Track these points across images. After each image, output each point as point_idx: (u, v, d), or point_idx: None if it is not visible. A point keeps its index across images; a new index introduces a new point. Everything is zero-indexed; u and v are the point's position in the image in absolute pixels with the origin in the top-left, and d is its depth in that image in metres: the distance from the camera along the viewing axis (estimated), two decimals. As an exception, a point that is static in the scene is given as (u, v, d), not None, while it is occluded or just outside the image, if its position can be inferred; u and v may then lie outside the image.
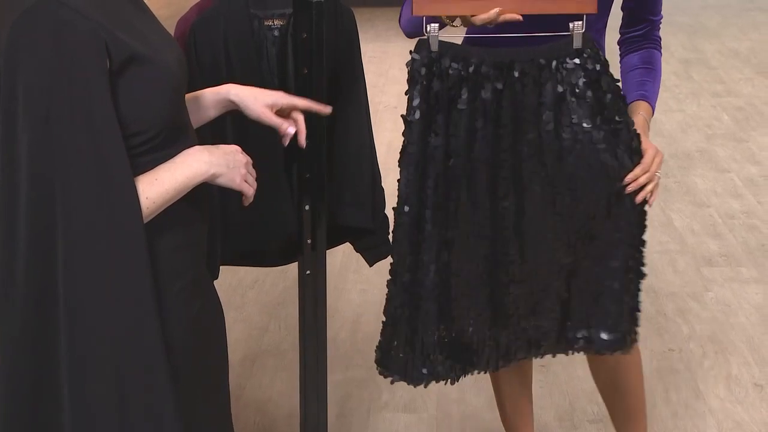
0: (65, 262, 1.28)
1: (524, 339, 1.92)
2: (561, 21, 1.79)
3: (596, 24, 1.94)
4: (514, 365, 2.20)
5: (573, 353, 1.99)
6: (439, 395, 2.79)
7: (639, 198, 1.85)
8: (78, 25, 1.27)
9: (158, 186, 1.36)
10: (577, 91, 1.79)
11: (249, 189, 1.50)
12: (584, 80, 1.79)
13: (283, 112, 1.69)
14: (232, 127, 2.00)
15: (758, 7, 8.04)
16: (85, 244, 1.29)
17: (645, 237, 1.90)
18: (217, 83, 1.99)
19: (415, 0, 1.76)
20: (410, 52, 1.80)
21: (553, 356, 2.02)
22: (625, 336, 1.94)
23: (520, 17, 1.75)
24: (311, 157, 1.98)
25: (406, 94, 1.81)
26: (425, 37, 1.78)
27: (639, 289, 1.93)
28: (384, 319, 1.90)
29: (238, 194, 1.53)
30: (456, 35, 1.88)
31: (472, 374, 1.97)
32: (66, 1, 1.27)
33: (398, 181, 1.82)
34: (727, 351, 3.01)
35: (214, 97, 1.60)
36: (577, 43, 1.79)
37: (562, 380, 2.80)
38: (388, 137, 4.74)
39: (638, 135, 1.85)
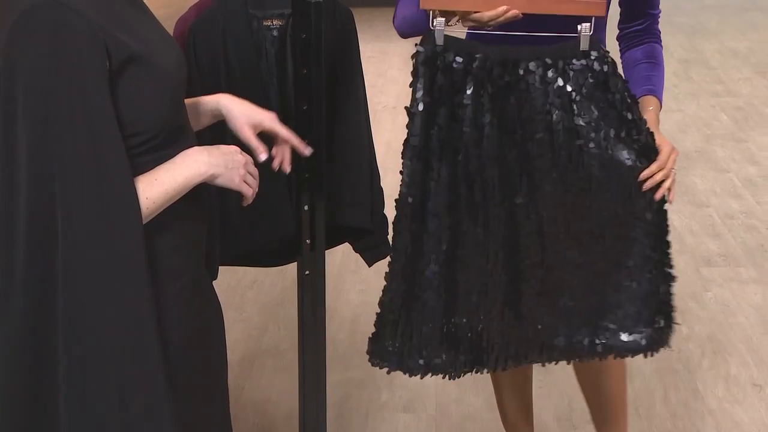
0: (65, 262, 1.28)
1: (537, 342, 1.89)
2: (568, 22, 1.79)
3: (597, 20, 1.93)
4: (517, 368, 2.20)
5: (589, 360, 1.94)
6: (438, 395, 2.78)
7: (658, 195, 1.83)
8: (77, 26, 1.27)
9: (158, 186, 1.36)
10: (584, 91, 1.79)
11: (248, 189, 1.49)
12: (592, 80, 1.79)
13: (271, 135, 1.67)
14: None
15: (757, 7, 8.05)
16: (85, 244, 1.29)
17: (669, 237, 1.87)
18: (215, 83, 2.00)
19: None
20: (415, 45, 1.80)
21: (568, 362, 1.97)
22: (651, 337, 1.90)
23: (520, 15, 1.75)
24: (310, 157, 1.98)
25: (410, 86, 1.82)
26: (431, 31, 1.78)
27: (666, 291, 1.89)
28: (379, 310, 1.89)
29: (237, 194, 1.53)
30: (457, 31, 1.88)
31: (480, 372, 1.94)
32: (65, 2, 1.27)
33: (400, 172, 1.82)
34: (726, 351, 3.01)
35: (207, 106, 1.59)
36: (584, 45, 1.78)
37: (562, 380, 2.80)
38: (387, 137, 4.74)
39: (651, 132, 1.84)
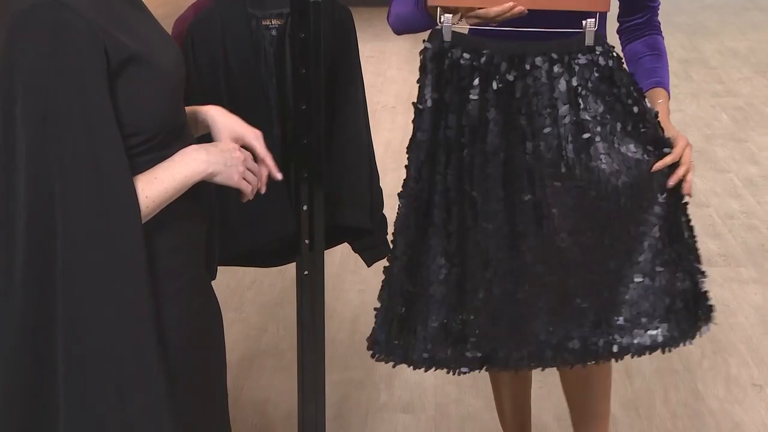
0: (64, 262, 1.28)
1: (550, 344, 1.87)
2: (572, 17, 1.80)
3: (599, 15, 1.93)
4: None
5: (605, 361, 1.92)
6: (437, 396, 2.78)
7: (671, 182, 1.81)
8: (76, 26, 1.27)
9: (157, 185, 1.36)
10: (590, 85, 1.79)
11: (247, 186, 1.49)
12: (597, 75, 1.79)
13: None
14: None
15: (757, 6, 8.04)
16: (84, 244, 1.29)
17: (686, 232, 1.86)
18: (214, 83, 2.00)
19: None
20: (423, 41, 1.81)
21: (583, 366, 1.94)
22: (668, 333, 1.88)
23: (526, 11, 1.76)
24: (309, 157, 1.98)
25: (417, 82, 1.82)
26: (438, 27, 1.80)
27: (687, 288, 1.87)
28: (379, 305, 1.87)
29: (237, 194, 1.53)
30: (459, 27, 1.87)
31: (490, 370, 1.92)
32: (65, 2, 1.27)
33: (406, 167, 1.82)
34: (726, 351, 3.00)
35: (199, 116, 1.57)
36: (589, 41, 1.79)
37: (561, 381, 2.80)
38: (386, 137, 4.74)
39: (658, 124, 1.84)
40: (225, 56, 2.00)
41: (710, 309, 1.91)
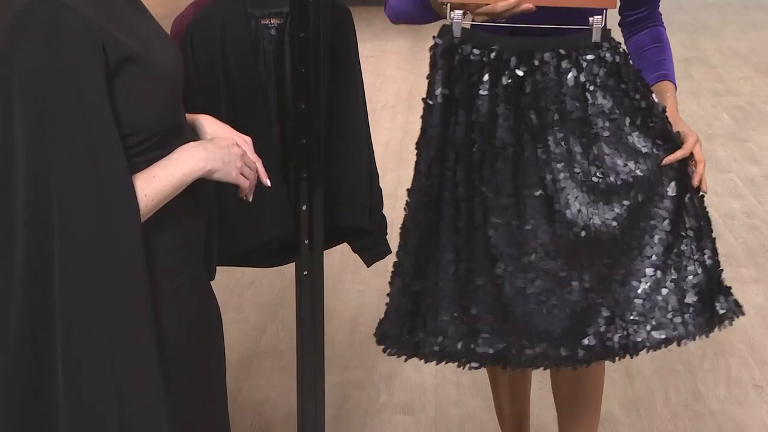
0: (62, 261, 1.28)
1: (564, 341, 1.86)
2: (580, 14, 1.82)
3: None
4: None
5: (620, 359, 1.91)
6: (437, 396, 2.77)
7: (695, 182, 1.84)
8: (74, 25, 1.27)
9: (155, 183, 1.36)
10: (598, 81, 1.81)
11: (245, 182, 1.49)
12: (605, 70, 1.81)
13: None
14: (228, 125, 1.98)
15: (758, 5, 8.04)
16: (83, 243, 1.28)
17: (698, 225, 1.87)
18: (213, 82, 2.00)
19: None
20: (433, 37, 1.83)
21: (613, 361, 1.91)
22: (683, 326, 1.88)
23: (533, 7, 1.78)
24: (308, 157, 1.97)
25: (427, 78, 1.84)
26: (449, 23, 1.82)
27: (702, 281, 1.87)
28: (389, 300, 1.87)
29: (235, 189, 1.52)
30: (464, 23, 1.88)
31: (505, 368, 1.91)
32: (63, 1, 1.27)
33: (417, 162, 1.83)
34: (727, 352, 3.00)
35: (192, 123, 1.57)
36: (596, 37, 1.81)
37: (562, 381, 2.79)
38: (385, 136, 4.73)
39: (666, 119, 1.85)
40: (224, 55, 2.00)
41: (736, 304, 1.91)
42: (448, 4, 1.80)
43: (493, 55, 1.80)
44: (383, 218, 2.23)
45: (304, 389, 2.11)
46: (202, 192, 1.52)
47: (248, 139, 1.53)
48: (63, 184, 1.27)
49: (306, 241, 2.00)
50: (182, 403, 1.42)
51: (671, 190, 1.85)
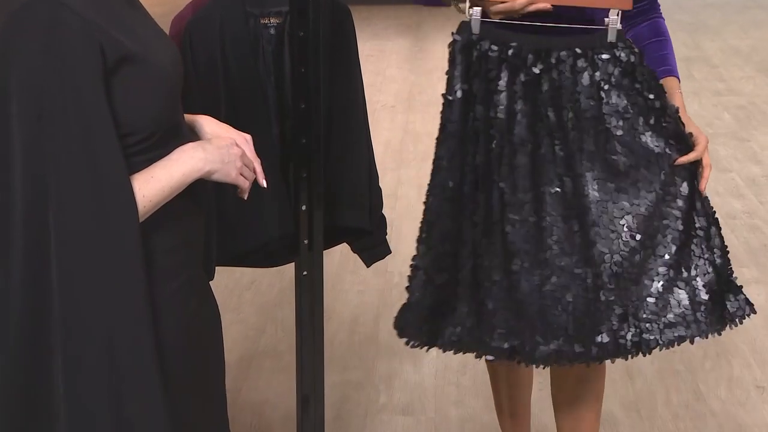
0: (60, 261, 1.27)
1: (579, 338, 1.87)
2: (596, 14, 1.85)
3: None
4: (516, 367, 2.18)
5: (632, 357, 1.92)
6: (437, 397, 2.77)
7: (701, 187, 1.89)
8: (72, 24, 1.26)
9: (154, 183, 1.35)
10: (612, 80, 1.84)
11: (244, 182, 1.48)
12: (620, 70, 1.84)
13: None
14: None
15: (759, 5, 8.03)
16: (80, 244, 1.28)
17: (707, 225, 1.90)
18: (213, 82, 1.99)
19: None
20: (452, 33, 1.86)
21: (612, 362, 1.94)
22: (694, 324, 1.90)
23: (550, 6, 1.80)
24: (308, 157, 1.97)
25: (446, 74, 1.87)
26: (467, 20, 1.84)
27: (712, 280, 1.90)
28: (409, 293, 1.90)
29: (234, 194, 1.51)
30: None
31: (519, 363, 1.92)
32: (62, 0, 1.26)
33: (438, 157, 1.85)
34: (729, 352, 2.99)
35: (193, 125, 1.56)
36: (611, 37, 1.84)
37: (562, 382, 2.79)
38: (385, 136, 4.72)
39: (679, 118, 1.88)
40: (223, 55, 1.99)
41: (747, 302, 1.94)
42: (467, 1, 1.83)
43: (510, 52, 1.83)
44: (383, 218, 2.22)
45: (303, 390, 2.10)
46: (201, 192, 1.51)
47: (248, 137, 1.53)
48: (61, 184, 1.26)
49: (305, 241, 2.00)
50: (181, 403, 1.41)
51: (684, 189, 1.88)
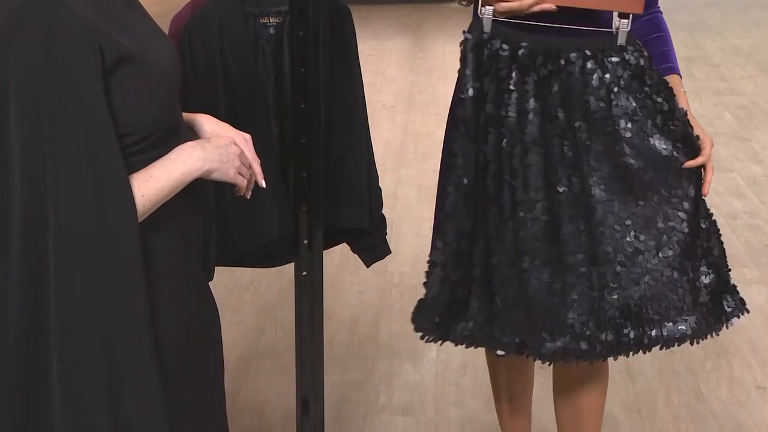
0: (59, 261, 1.27)
1: (584, 335, 1.89)
2: (606, 17, 1.87)
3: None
4: (517, 366, 2.18)
5: (634, 354, 1.95)
6: (437, 398, 2.76)
7: (704, 191, 1.92)
8: (70, 23, 1.26)
9: (153, 183, 1.35)
10: (621, 82, 1.85)
11: (242, 181, 1.48)
12: (629, 73, 1.85)
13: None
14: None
15: (760, 4, 8.02)
16: (79, 244, 1.28)
17: (708, 226, 1.94)
18: (212, 82, 1.99)
19: None
20: (464, 32, 1.86)
21: (615, 359, 1.97)
22: (696, 324, 1.93)
23: (554, 7, 1.82)
24: (308, 157, 1.96)
25: (458, 72, 1.87)
26: (479, 18, 1.85)
27: (712, 281, 1.94)
28: (427, 289, 1.93)
29: (233, 188, 1.51)
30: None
31: (528, 357, 1.95)
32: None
33: (453, 155, 1.86)
34: (729, 353, 2.98)
35: (190, 123, 1.56)
36: (621, 40, 1.85)
37: (563, 382, 2.78)
38: (385, 136, 4.72)
39: (688, 121, 1.90)
40: (222, 54, 1.99)
41: (742, 302, 1.99)
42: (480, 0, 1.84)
43: (521, 52, 1.84)
44: (383, 218, 2.22)
45: (303, 390, 2.10)
46: (200, 192, 1.51)
47: (247, 136, 1.53)
48: (60, 184, 1.26)
49: (305, 242, 1.99)
50: (180, 403, 1.41)
51: (690, 192, 1.91)
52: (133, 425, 1.34)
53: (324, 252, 2.05)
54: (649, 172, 1.87)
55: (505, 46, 1.84)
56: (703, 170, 1.95)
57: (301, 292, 2.04)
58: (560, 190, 1.86)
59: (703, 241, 1.93)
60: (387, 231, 2.25)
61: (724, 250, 1.96)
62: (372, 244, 2.21)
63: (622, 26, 1.84)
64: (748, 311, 1.99)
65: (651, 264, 1.90)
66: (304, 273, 2.01)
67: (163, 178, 1.36)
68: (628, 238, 1.88)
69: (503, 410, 2.31)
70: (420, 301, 1.95)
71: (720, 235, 1.96)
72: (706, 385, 2.82)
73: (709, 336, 1.96)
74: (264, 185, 1.53)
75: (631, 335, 1.91)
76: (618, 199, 1.87)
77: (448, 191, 1.88)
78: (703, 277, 1.94)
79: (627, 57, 1.85)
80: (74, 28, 1.26)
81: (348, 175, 2.11)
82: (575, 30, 1.86)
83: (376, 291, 3.29)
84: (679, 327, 1.93)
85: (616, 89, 1.85)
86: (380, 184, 2.21)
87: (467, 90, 1.85)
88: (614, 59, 1.85)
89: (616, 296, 1.89)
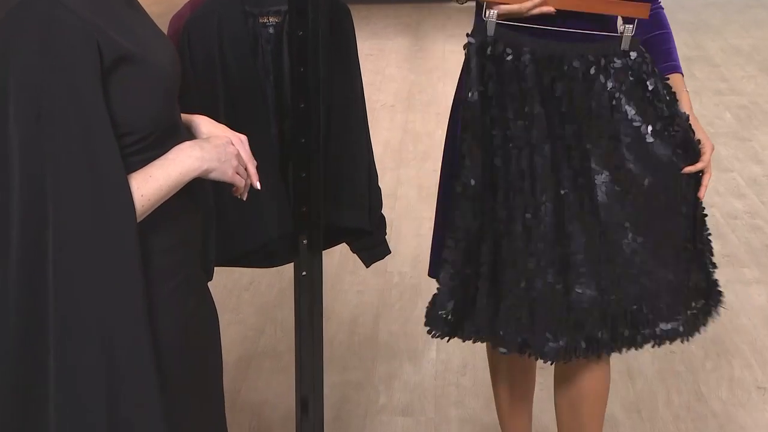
0: (57, 261, 1.27)
1: (583, 334, 1.92)
2: (610, 22, 1.88)
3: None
4: (519, 366, 2.18)
5: (628, 350, 1.98)
6: (437, 398, 2.76)
7: (701, 194, 1.94)
8: (69, 23, 1.26)
9: (152, 183, 1.35)
10: (624, 88, 1.86)
11: (240, 180, 1.48)
12: (632, 78, 1.87)
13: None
14: (226, 125, 1.97)
15: (761, 4, 8.02)
16: (78, 244, 1.28)
17: (701, 230, 1.97)
18: (211, 81, 1.98)
19: None
20: (467, 35, 1.87)
21: (618, 352, 2.00)
22: (687, 322, 1.97)
23: (554, 10, 1.82)
24: (307, 157, 1.96)
25: (461, 75, 1.90)
26: (483, 22, 1.86)
27: (702, 279, 1.97)
28: (439, 286, 1.94)
29: (230, 187, 1.51)
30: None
31: (530, 356, 1.97)
32: (60, -1, 1.26)
33: (459, 157, 1.88)
34: (730, 353, 2.98)
35: (189, 124, 1.56)
36: (625, 45, 1.86)
37: (563, 382, 2.78)
38: (385, 136, 4.72)
39: (689, 126, 1.92)
40: (222, 54, 1.98)
41: (719, 294, 2.02)
42: (485, 3, 1.84)
43: (525, 56, 1.85)
44: (382, 218, 2.22)
45: (302, 390, 2.09)
46: (199, 192, 1.51)
47: (244, 138, 1.52)
48: (59, 184, 1.26)
49: (305, 242, 1.99)
50: (179, 403, 1.41)
51: (689, 196, 1.93)
52: (133, 425, 1.33)
53: (324, 252, 2.05)
54: (648, 176, 1.89)
55: (508, 50, 1.85)
56: (701, 173, 1.97)
57: (301, 292, 2.04)
58: (564, 192, 1.87)
59: (697, 243, 1.96)
60: (387, 231, 2.25)
61: (711, 248, 2.00)
62: (372, 244, 2.21)
63: (626, 31, 1.85)
64: (723, 307, 2.04)
65: (648, 265, 1.91)
66: (304, 273, 2.01)
67: (162, 177, 1.36)
68: (626, 240, 1.90)
69: (503, 410, 2.30)
70: (433, 296, 1.96)
71: (710, 234, 2.00)
72: (706, 385, 2.81)
73: (696, 334, 2.00)
74: (259, 187, 1.53)
75: (626, 333, 1.94)
76: (618, 202, 1.88)
77: (455, 191, 1.89)
78: (696, 278, 1.97)
79: (630, 62, 1.86)
80: (74, 28, 1.26)
81: (348, 175, 2.11)
82: (578, 34, 1.86)
83: (376, 291, 3.29)
84: (672, 324, 1.96)
85: (618, 95, 1.86)
86: (380, 184, 2.21)
87: (472, 93, 1.86)
88: (617, 64, 1.86)
89: (614, 296, 1.91)
